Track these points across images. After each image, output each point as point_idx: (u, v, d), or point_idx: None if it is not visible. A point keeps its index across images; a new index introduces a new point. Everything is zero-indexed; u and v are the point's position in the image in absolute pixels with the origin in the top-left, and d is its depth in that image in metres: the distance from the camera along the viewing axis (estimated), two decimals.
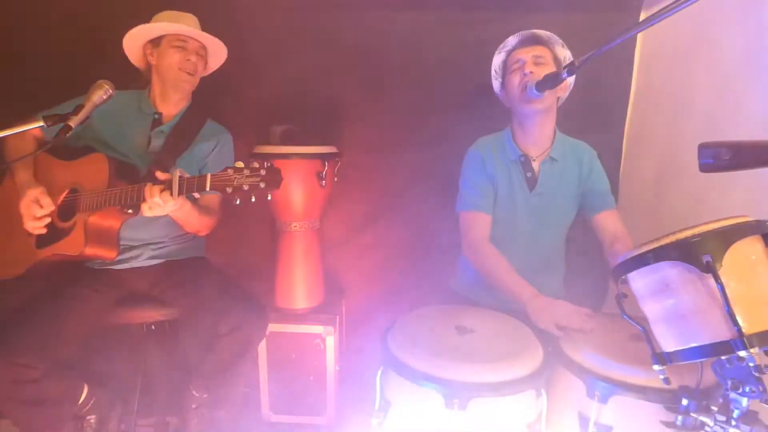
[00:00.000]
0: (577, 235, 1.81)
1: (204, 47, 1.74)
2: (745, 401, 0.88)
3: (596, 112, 2.03)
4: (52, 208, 1.53)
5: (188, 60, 1.68)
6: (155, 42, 1.69)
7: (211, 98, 1.85)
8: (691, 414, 1.00)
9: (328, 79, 2.18)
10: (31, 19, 2.12)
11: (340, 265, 2.33)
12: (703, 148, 0.86)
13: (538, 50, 1.61)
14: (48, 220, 1.53)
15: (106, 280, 1.64)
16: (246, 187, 1.28)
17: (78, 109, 1.30)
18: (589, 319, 1.34)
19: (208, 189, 1.31)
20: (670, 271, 0.92)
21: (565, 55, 1.65)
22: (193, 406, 1.60)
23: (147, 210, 1.38)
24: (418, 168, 2.19)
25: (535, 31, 1.63)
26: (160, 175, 1.40)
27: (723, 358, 0.88)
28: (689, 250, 0.88)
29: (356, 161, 2.18)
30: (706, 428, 0.96)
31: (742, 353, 0.83)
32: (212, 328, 1.50)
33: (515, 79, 1.61)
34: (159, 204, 1.36)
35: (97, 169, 1.54)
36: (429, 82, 2.15)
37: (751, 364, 0.84)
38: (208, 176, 1.31)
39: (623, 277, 1.01)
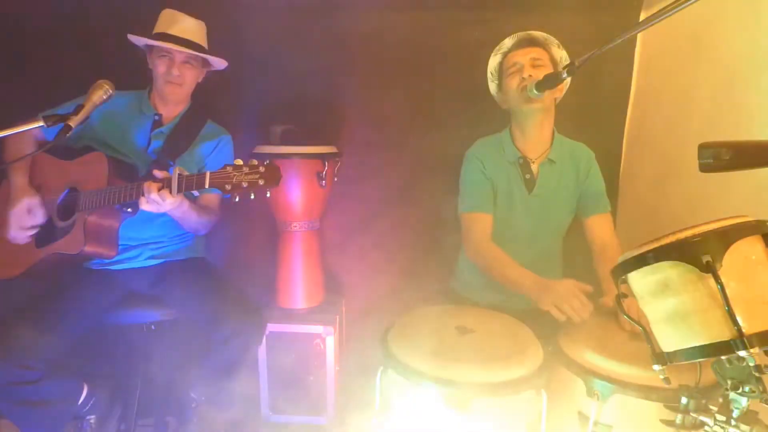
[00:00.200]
0: (576, 236, 1.81)
1: (196, 56, 1.69)
2: (745, 401, 0.88)
3: (596, 112, 2.03)
4: (42, 221, 1.52)
5: (171, 73, 1.65)
6: (149, 46, 1.68)
7: (211, 99, 1.85)
8: (691, 413, 1.00)
9: (328, 79, 2.17)
10: (32, 20, 2.12)
11: (340, 265, 2.33)
12: (703, 148, 0.86)
13: (535, 52, 1.61)
14: (35, 230, 1.52)
15: (105, 281, 1.64)
16: (245, 185, 1.28)
17: (78, 109, 1.30)
18: (584, 308, 1.31)
19: (207, 186, 1.32)
20: (670, 271, 0.92)
21: (562, 55, 1.66)
22: (193, 406, 1.60)
23: (144, 203, 1.38)
24: (418, 168, 2.19)
25: (530, 32, 1.64)
26: (159, 173, 1.40)
27: (723, 358, 0.88)
28: (689, 250, 0.88)
29: (356, 161, 2.18)
30: (706, 428, 0.96)
31: (742, 353, 0.83)
32: (211, 330, 1.50)
33: (513, 82, 1.61)
34: (156, 200, 1.36)
35: (97, 169, 1.54)
36: (429, 83, 2.15)
37: (751, 364, 0.84)
38: (207, 174, 1.32)
39: (623, 277, 1.01)
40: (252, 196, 1.29)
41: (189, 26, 1.69)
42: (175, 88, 1.68)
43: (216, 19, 1.79)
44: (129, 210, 1.50)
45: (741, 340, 0.83)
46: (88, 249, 1.52)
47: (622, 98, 2.12)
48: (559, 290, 1.34)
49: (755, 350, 0.83)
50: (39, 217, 1.51)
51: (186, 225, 1.64)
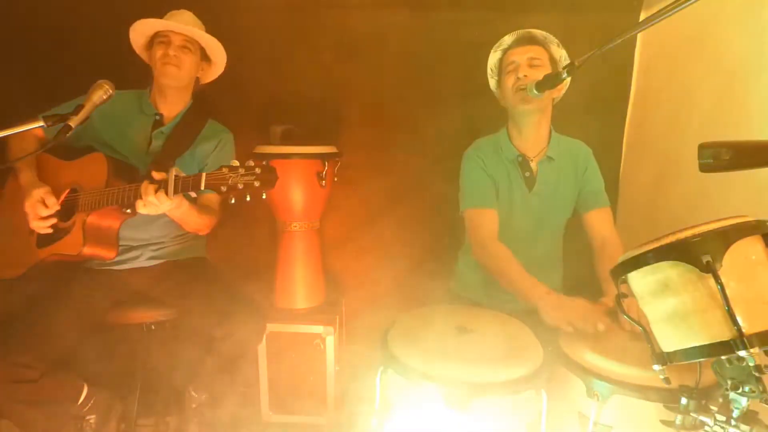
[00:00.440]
0: (576, 235, 1.81)
1: (193, 41, 1.70)
2: (745, 401, 0.88)
3: (596, 112, 2.03)
4: (57, 207, 1.52)
5: (168, 54, 1.64)
6: (149, 44, 1.71)
7: (211, 99, 1.86)
8: (691, 413, 1.00)
9: (328, 79, 2.18)
10: (33, 20, 2.12)
11: (340, 265, 2.33)
12: (703, 148, 0.86)
13: (533, 50, 1.60)
14: (54, 220, 1.53)
15: (106, 281, 1.64)
16: (241, 186, 1.27)
17: (78, 109, 1.30)
18: (605, 317, 1.30)
19: (203, 188, 1.31)
20: (670, 271, 0.92)
21: (562, 54, 1.65)
22: (193, 406, 1.60)
23: (141, 207, 1.38)
24: (418, 168, 2.19)
25: (530, 30, 1.63)
26: (156, 174, 1.40)
27: (723, 358, 0.88)
28: (689, 250, 0.88)
29: (356, 161, 2.18)
30: (706, 428, 0.96)
31: (742, 353, 0.83)
32: (211, 330, 1.50)
33: (509, 81, 1.61)
34: (153, 203, 1.36)
35: (96, 169, 1.54)
36: (429, 83, 2.15)
37: (751, 364, 0.84)
38: (203, 175, 1.31)
39: (623, 277, 1.01)
40: (248, 198, 1.28)
41: (188, 18, 1.72)
42: (173, 69, 1.65)
43: (216, 20, 1.79)
44: (128, 211, 1.50)
45: (741, 340, 0.83)
46: (87, 250, 1.52)
47: (622, 98, 2.12)
48: (573, 309, 1.32)
49: (755, 350, 0.83)
50: (53, 205, 1.51)
51: (187, 226, 1.64)
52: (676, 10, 0.97)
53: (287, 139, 2.00)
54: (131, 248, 1.69)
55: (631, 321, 1.03)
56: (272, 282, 2.07)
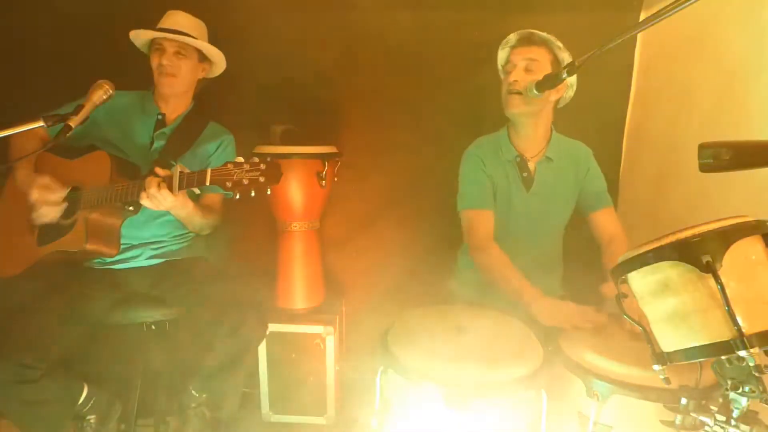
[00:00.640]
0: (576, 235, 1.81)
1: (188, 46, 1.68)
2: (745, 401, 0.88)
3: (596, 112, 2.03)
4: (65, 192, 1.52)
5: (162, 64, 1.65)
6: (151, 47, 1.70)
7: (211, 98, 1.86)
8: (691, 413, 1.00)
9: (328, 79, 2.18)
10: (34, 20, 2.12)
11: (340, 265, 2.33)
12: (703, 148, 0.86)
13: (533, 52, 1.58)
14: (65, 204, 1.52)
15: (106, 280, 1.64)
16: (246, 182, 1.28)
17: (78, 109, 1.30)
18: (596, 315, 1.35)
19: (208, 184, 1.32)
20: (670, 271, 0.92)
21: (565, 57, 1.61)
22: (193, 405, 1.60)
23: (145, 199, 1.38)
24: (418, 168, 2.19)
25: (532, 31, 1.60)
26: (160, 171, 1.40)
27: (723, 358, 0.88)
28: (689, 250, 0.88)
29: (356, 161, 2.18)
30: (706, 428, 0.96)
31: (742, 353, 0.83)
32: (211, 329, 1.50)
33: (504, 83, 1.61)
34: (157, 196, 1.36)
35: (99, 167, 1.55)
36: (429, 83, 2.15)
37: (751, 364, 0.84)
38: (208, 171, 1.32)
39: (623, 277, 1.01)
40: (252, 194, 1.29)
41: (181, 20, 1.71)
42: (168, 79, 1.66)
43: (217, 20, 1.79)
44: (131, 208, 1.50)
45: (741, 340, 0.83)
46: (90, 247, 1.53)
47: (622, 98, 2.12)
48: (563, 312, 1.38)
49: (755, 350, 0.83)
50: (59, 189, 1.51)
51: (191, 226, 1.65)
52: (676, 10, 0.97)
53: (287, 139, 2.00)
54: (132, 247, 1.69)
55: (631, 321, 1.03)
56: (272, 282, 2.07)
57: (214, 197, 1.73)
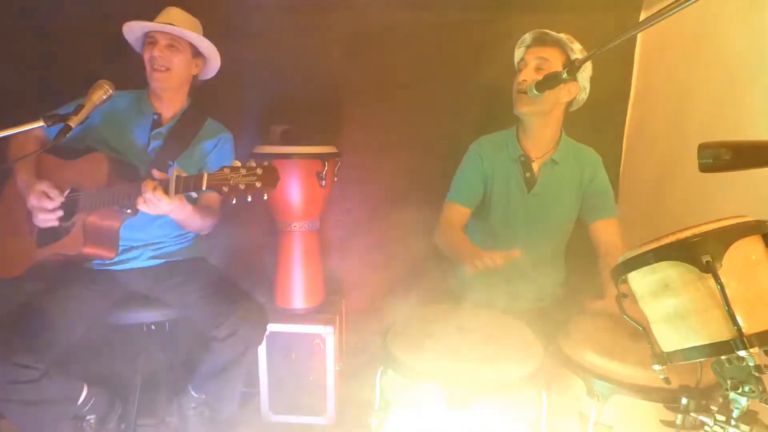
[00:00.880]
0: (576, 235, 1.81)
1: (181, 40, 1.66)
2: (745, 401, 0.88)
3: (596, 112, 2.03)
4: (62, 199, 1.52)
5: (154, 56, 1.63)
6: (143, 45, 1.69)
7: (211, 98, 1.85)
8: (691, 413, 1.00)
9: (328, 79, 2.18)
10: (34, 20, 2.12)
11: (340, 265, 2.33)
12: (703, 148, 0.86)
13: (546, 52, 1.56)
14: (60, 212, 1.52)
15: (106, 281, 1.64)
16: (242, 187, 1.28)
17: (78, 109, 1.30)
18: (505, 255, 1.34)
19: (204, 188, 1.31)
20: (670, 271, 0.92)
21: (576, 58, 1.56)
22: (193, 405, 1.60)
23: (141, 204, 1.38)
24: (418, 168, 2.19)
25: (546, 31, 1.58)
26: (157, 173, 1.40)
27: (723, 358, 0.88)
28: (689, 250, 0.88)
29: (356, 161, 2.18)
30: (706, 428, 0.96)
31: (742, 353, 0.83)
32: (211, 330, 1.50)
33: (516, 79, 1.61)
34: (153, 201, 1.36)
35: (97, 169, 1.54)
36: (429, 82, 2.15)
37: (751, 364, 0.84)
38: (205, 175, 1.31)
39: (623, 277, 1.01)
40: (249, 199, 1.29)
41: (176, 15, 1.70)
42: (160, 74, 1.64)
43: (216, 19, 1.79)
44: (129, 211, 1.50)
45: (741, 340, 0.83)
46: (88, 250, 1.52)
47: (622, 98, 2.12)
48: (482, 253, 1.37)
49: (755, 350, 0.83)
50: (57, 197, 1.50)
51: (189, 228, 1.65)
52: (676, 10, 0.97)
53: (287, 139, 2.00)
54: (131, 248, 1.69)
55: (631, 321, 1.03)
56: (272, 282, 2.07)
57: (212, 197, 1.73)
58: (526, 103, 1.55)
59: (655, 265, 0.93)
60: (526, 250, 1.67)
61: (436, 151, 2.14)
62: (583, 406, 1.19)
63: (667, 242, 0.92)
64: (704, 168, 0.86)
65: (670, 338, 0.95)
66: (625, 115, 2.13)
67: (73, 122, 1.28)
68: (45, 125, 1.26)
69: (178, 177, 1.35)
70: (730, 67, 1.56)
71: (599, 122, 2.04)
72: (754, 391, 0.86)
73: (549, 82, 1.40)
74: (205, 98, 1.83)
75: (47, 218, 1.51)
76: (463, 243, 1.56)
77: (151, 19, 1.68)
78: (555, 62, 1.57)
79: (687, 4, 0.94)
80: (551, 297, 1.74)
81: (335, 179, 2.04)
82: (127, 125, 1.70)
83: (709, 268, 0.86)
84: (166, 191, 1.35)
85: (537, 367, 1.19)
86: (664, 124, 1.91)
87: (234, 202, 1.29)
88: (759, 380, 0.85)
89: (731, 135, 1.50)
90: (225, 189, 1.28)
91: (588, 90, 1.66)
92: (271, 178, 1.28)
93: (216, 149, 1.77)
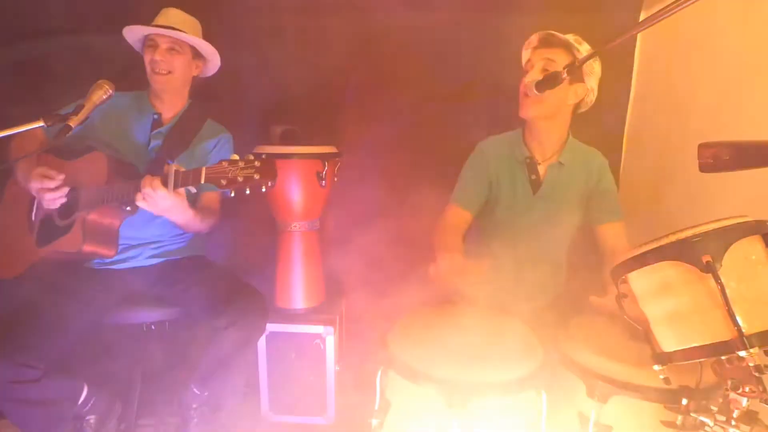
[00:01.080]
0: (577, 235, 1.80)
1: (180, 42, 1.67)
2: (745, 401, 0.88)
3: (596, 112, 2.03)
4: (62, 177, 1.51)
5: (155, 60, 1.64)
6: (143, 46, 1.70)
7: (210, 99, 1.85)
8: (691, 414, 1.00)
9: (328, 79, 2.18)
10: (35, 20, 2.12)
11: (340, 265, 2.33)
12: (703, 148, 0.86)
13: (553, 53, 1.54)
14: (66, 189, 1.51)
15: (106, 280, 1.64)
16: (240, 179, 1.28)
17: (78, 109, 1.30)
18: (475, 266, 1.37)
19: (203, 182, 1.32)
20: (670, 271, 0.92)
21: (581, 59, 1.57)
22: (194, 405, 1.60)
23: (140, 200, 1.38)
24: (419, 168, 2.19)
25: (552, 32, 1.57)
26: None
27: (723, 358, 0.88)
28: (689, 250, 0.88)
29: (356, 161, 2.18)
30: (706, 428, 0.96)
31: (742, 353, 0.83)
32: (212, 321, 1.50)
33: (524, 80, 1.59)
34: (152, 195, 1.36)
35: (97, 168, 1.54)
36: (429, 82, 2.15)
37: (751, 364, 0.84)
38: (203, 169, 1.32)
39: (623, 277, 1.01)
40: (247, 191, 1.29)
41: (175, 17, 1.70)
42: (161, 77, 1.66)
43: (216, 19, 1.79)
44: (128, 209, 1.50)
45: (741, 340, 0.83)
46: (88, 248, 1.53)
47: (622, 98, 2.12)
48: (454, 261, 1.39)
49: (755, 350, 0.83)
50: (57, 177, 1.50)
51: (189, 230, 1.65)
52: (676, 10, 0.97)
53: (287, 140, 2.00)
54: (131, 247, 1.69)
55: (631, 321, 1.03)
56: (272, 282, 2.07)
57: (212, 197, 1.73)
58: (531, 105, 1.54)
59: (655, 265, 0.93)
60: (530, 254, 1.68)
61: (436, 151, 2.14)
62: (583, 406, 1.19)
63: (667, 242, 0.92)
64: (704, 168, 0.86)
65: (670, 338, 0.95)
66: (625, 115, 2.13)
67: (73, 122, 1.28)
68: (45, 125, 1.26)
69: (176, 171, 1.36)
70: (730, 67, 1.56)
71: (599, 123, 2.04)
72: (754, 391, 0.86)
73: (549, 82, 1.39)
74: (205, 98, 1.83)
75: (53, 197, 1.50)
76: (446, 245, 1.54)
77: (151, 19, 1.68)
78: (560, 63, 1.53)
79: (687, 4, 0.94)
80: (552, 297, 1.74)
81: (335, 179, 2.04)
82: (128, 125, 1.71)
83: (709, 268, 0.86)
84: (165, 186, 1.35)
85: (537, 367, 1.19)
86: (664, 125, 1.91)
87: (232, 195, 1.30)
88: (759, 380, 0.85)
89: (731, 135, 1.50)
90: (223, 182, 1.28)
91: (596, 92, 1.64)
92: (269, 171, 1.28)
93: (216, 149, 1.78)
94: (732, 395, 0.89)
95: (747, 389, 0.86)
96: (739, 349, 0.83)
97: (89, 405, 1.52)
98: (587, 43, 1.54)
